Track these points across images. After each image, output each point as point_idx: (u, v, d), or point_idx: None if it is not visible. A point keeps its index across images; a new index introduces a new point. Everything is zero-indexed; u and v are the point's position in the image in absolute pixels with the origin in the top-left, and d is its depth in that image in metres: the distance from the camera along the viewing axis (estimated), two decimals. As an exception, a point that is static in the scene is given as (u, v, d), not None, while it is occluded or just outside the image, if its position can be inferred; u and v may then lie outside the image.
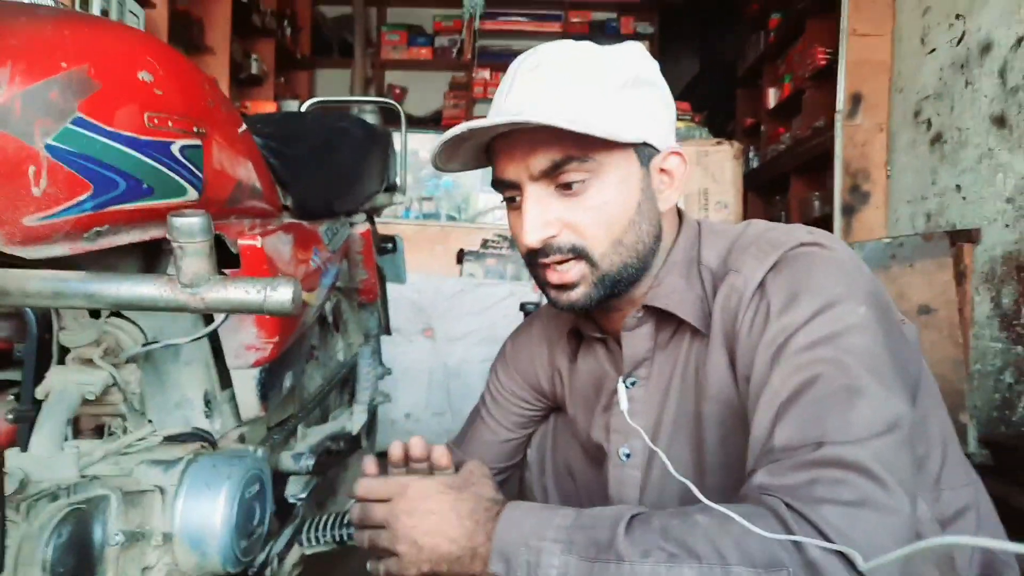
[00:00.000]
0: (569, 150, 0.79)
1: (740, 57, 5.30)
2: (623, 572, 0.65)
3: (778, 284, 0.77)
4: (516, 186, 0.83)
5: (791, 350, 0.72)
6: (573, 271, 0.83)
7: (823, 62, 3.44)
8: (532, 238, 0.81)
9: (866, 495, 0.63)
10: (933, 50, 2.60)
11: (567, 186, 0.81)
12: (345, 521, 0.99)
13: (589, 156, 0.80)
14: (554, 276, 0.84)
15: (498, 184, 0.86)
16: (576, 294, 0.84)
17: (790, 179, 4.00)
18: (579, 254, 0.82)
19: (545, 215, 0.81)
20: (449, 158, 0.86)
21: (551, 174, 0.81)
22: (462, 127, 0.79)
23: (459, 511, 0.76)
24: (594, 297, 0.84)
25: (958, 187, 2.42)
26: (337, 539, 1.00)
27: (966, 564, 0.81)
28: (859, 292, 0.75)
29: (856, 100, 2.95)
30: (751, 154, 4.74)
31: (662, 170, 0.86)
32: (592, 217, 0.81)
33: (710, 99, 5.46)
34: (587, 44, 0.85)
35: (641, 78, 0.84)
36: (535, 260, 0.84)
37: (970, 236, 2.26)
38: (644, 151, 0.84)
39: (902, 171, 2.81)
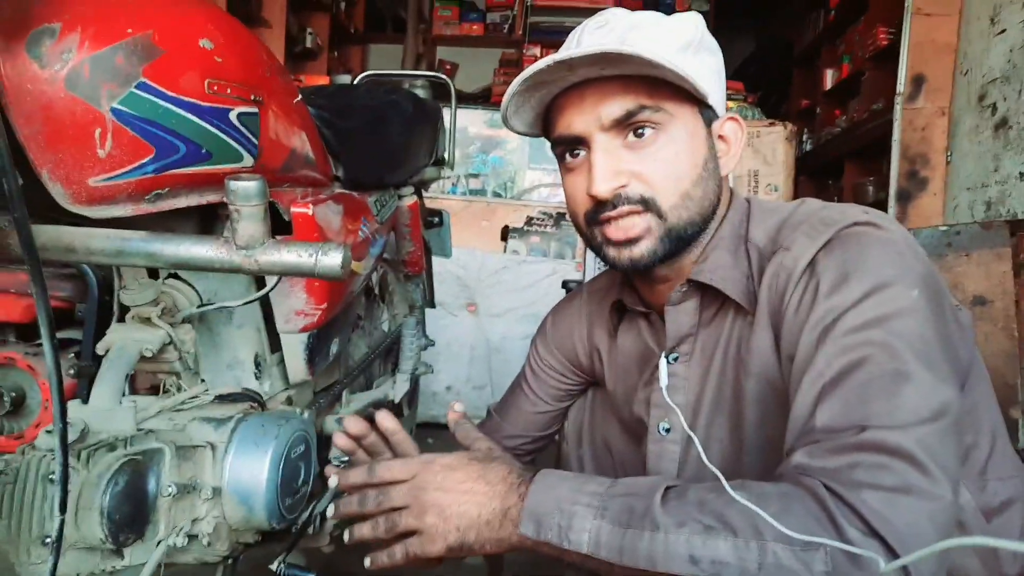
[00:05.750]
0: (641, 99, 0.80)
1: (797, 36, 5.16)
2: (657, 540, 0.65)
3: (829, 263, 0.76)
4: (582, 140, 0.83)
5: (839, 331, 0.71)
6: (639, 225, 0.82)
7: (885, 42, 3.33)
8: (603, 187, 0.81)
9: (908, 482, 0.62)
10: (1003, 31, 2.49)
11: (638, 135, 0.81)
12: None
13: (661, 106, 0.81)
14: (618, 232, 0.83)
15: (562, 141, 0.86)
16: (640, 249, 0.83)
17: (844, 163, 3.90)
18: (648, 206, 0.82)
19: (616, 164, 0.81)
20: (517, 109, 0.87)
21: (623, 123, 0.81)
22: (547, 60, 0.78)
23: (488, 478, 0.76)
24: (659, 252, 0.83)
25: (1021, 175, 2.34)
26: None
27: (1010, 555, 0.80)
28: (912, 275, 0.73)
29: (918, 82, 2.86)
30: (805, 137, 4.63)
31: (720, 136, 0.87)
32: (662, 168, 0.82)
33: (764, 79, 5.34)
34: (649, 11, 0.87)
35: (704, 43, 0.85)
36: (597, 217, 0.83)
37: (1032, 226, 2.18)
38: (707, 112, 0.85)
39: (963, 157, 2.72)
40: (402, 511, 0.77)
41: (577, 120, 0.83)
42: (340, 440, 0.89)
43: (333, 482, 0.83)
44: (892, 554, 0.59)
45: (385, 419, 0.89)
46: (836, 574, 0.59)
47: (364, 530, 0.80)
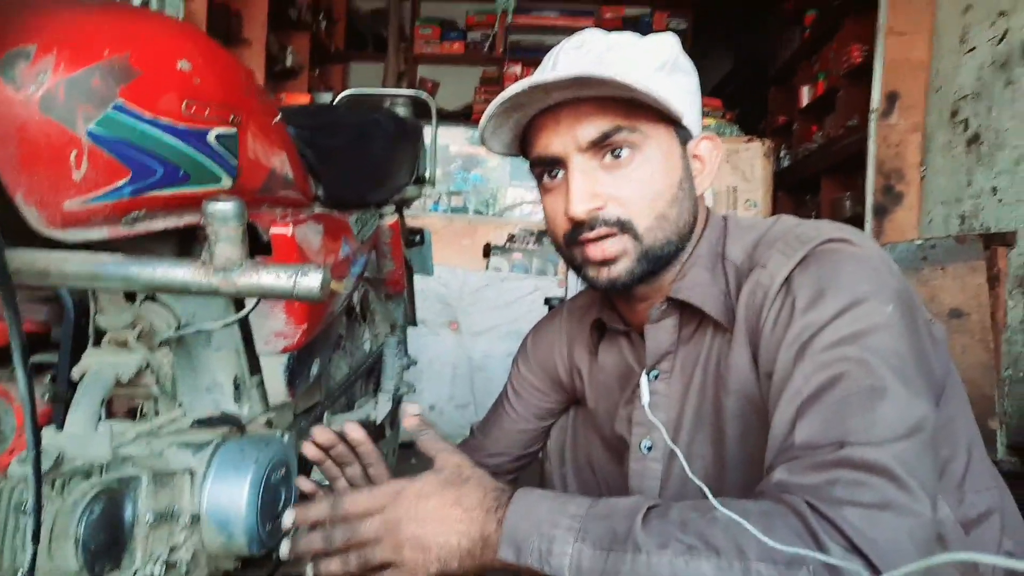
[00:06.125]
0: (617, 119, 0.81)
1: (774, 54, 5.24)
2: (639, 563, 0.64)
3: (804, 280, 0.76)
4: (559, 161, 0.84)
5: (815, 348, 0.72)
6: (615, 246, 0.83)
7: (859, 60, 3.39)
8: (580, 208, 0.81)
9: (887, 498, 0.63)
10: (973, 49, 2.55)
11: (615, 155, 0.82)
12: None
13: (636, 127, 0.82)
14: (596, 252, 0.84)
15: (539, 162, 0.87)
16: (618, 268, 0.84)
17: (821, 179, 3.95)
18: (624, 228, 0.83)
19: (593, 186, 0.82)
20: (495, 130, 0.87)
21: (599, 144, 0.82)
22: (523, 84, 0.79)
23: (464, 504, 0.73)
24: (636, 272, 0.84)
25: (994, 189, 2.38)
26: None
27: (989, 569, 0.80)
28: (886, 290, 0.74)
29: (892, 99, 2.91)
30: (782, 153, 4.69)
31: (695, 155, 0.89)
32: (637, 190, 0.82)
33: (742, 96, 5.40)
34: (625, 32, 0.88)
35: (678, 64, 0.87)
36: (575, 238, 0.84)
37: (1005, 239, 2.21)
38: (682, 131, 0.86)
39: (937, 172, 2.76)
40: (374, 545, 0.74)
41: (554, 141, 0.83)
42: (309, 450, 0.89)
43: (288, 520, 0.78)
44: (874, 570, 0.59)
45: (353, 430, 0.89)
46: None
47: (333, 566, 0.76)
